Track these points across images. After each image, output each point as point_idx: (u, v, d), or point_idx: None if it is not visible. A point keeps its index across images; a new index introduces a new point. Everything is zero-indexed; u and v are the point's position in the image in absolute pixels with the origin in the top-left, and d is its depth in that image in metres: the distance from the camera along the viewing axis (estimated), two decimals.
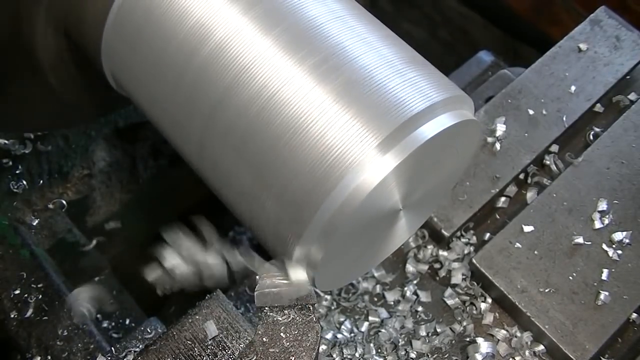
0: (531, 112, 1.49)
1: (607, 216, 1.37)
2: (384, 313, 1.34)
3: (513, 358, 1.28)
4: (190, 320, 1.06)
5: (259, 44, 0.93)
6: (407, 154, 0.86)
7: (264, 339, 0.94)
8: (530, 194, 1.45)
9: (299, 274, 0.93)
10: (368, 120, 0.86)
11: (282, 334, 0.94)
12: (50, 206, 1.50)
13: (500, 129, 1.46)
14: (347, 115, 0.87)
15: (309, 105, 0.88)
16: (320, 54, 0.91)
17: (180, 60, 0.96)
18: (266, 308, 0.96)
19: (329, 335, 1.30)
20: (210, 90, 0.94)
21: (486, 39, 2.75)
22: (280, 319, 0.95)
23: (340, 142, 0.86)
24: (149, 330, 1.27)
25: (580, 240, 1.34)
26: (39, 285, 1.34)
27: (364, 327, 1.32)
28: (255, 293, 0.95)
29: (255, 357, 0.93)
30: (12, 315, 1.31)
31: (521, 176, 1.46)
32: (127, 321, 1.53)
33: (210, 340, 1.04)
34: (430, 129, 0.89)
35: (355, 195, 0.85)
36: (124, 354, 1.21)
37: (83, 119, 1.51)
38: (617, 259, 1.32)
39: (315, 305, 0.96)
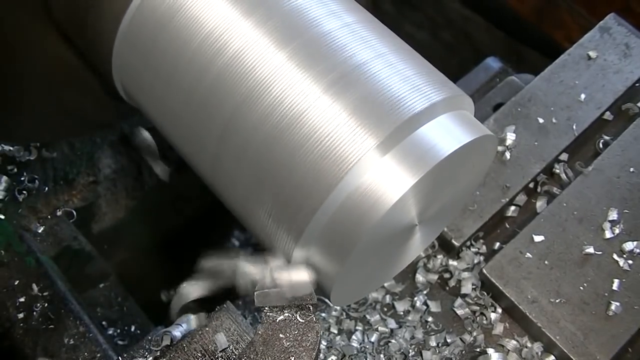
0: (541, 120, 1.48)
1: (617, 226, 1.36)
2: (393, 323, 1.33)
3: None
4: (200, 332, 1.05)
5: (275, 57, 0.92)
6: (425, 171, 0.85)
7: (264, 339, 0.94)
8: (540, 203, 1.44)
9: (301, 274, 0.93)
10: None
11: (282, 334, 0.94)
12: (59, 213, 1.49)
13: (510, 137, 1.45)
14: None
15: (324, 118, 0.88)
16: (336, 70, 0.91)
17: (194, 71, 0.95)
18: (266, 308, 0.96)
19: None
20: (226, 103, 0.93)
21: (489, 41, 2.74)
22: (280, 318, 0.95)
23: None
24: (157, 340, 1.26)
25: (590, 250, 1.33)
26: (44, 294, 1.33)
27: (374, 337, 1.31)
28: (255, 293, 0.95)
29: (255, 357, 0.92)
30: (18, 324, 1.30)
31: (531, 185, 1.45)
32: (133, 328, 1.52)
33: (220, 352, 1.03)
34: (447, 144, 0.89)
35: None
36: None
37: (91, 130, 1.49)
38: (628, 269, 1.32)
39: (319, 309, 0.95)
